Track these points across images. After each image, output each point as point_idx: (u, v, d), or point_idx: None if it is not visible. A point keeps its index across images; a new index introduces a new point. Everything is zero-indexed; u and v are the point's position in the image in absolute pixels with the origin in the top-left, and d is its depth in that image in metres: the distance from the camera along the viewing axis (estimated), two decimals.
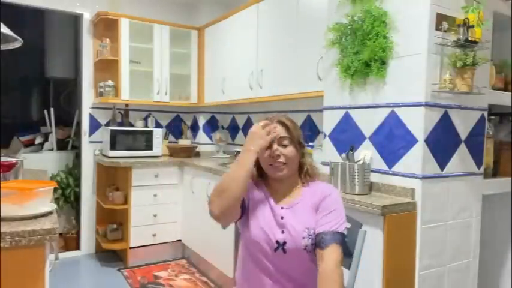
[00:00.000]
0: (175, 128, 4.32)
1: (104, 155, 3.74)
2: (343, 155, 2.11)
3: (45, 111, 4.57)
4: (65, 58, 4.77)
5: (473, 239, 2.07)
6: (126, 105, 3.94)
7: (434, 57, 1.84)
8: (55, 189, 1.79)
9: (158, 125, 4.15)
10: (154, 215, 3.57)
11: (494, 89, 2.16)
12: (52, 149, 4.49)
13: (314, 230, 1.31)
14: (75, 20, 4.15)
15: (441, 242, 1.92)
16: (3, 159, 1.82)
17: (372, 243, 1.73)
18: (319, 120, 2.89)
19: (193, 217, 3.52)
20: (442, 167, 1.91)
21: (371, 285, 1.77)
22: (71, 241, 3.87)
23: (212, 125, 4.25)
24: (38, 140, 4.59)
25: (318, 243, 1.28)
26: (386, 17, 1.96)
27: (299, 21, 2.70)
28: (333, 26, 2.20)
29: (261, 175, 1.44)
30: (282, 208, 1.36)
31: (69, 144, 4.55)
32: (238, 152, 3.54)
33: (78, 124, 4.11)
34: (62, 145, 4.55)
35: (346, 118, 2.21)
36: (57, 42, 4.81)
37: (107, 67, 3.76)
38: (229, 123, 4.27)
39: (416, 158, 1.85)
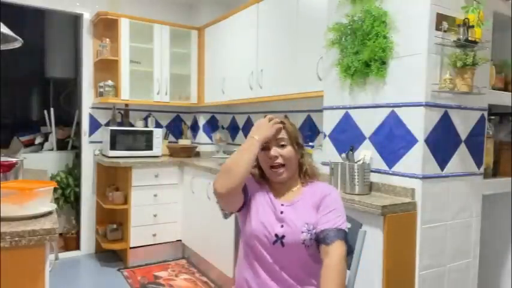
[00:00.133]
0: (175, 128, 4.32)
1: (104, 155, 3.74)
2: (343, 155, 2.11)
3: (45, 111, 4.57)
4: (65, 58, 4.77)
5: (473, 239, 2.07)
6: (126, 105, 3.94)
7: (434, 57, 1.84)
8: (55, 189, 1.79)
9: (158, 125, 4.15)
10: (154, 215, 3.57)
11: (494, 89, 2.16)
12: (52, 149, 4.49)
13: (314, 226, 1.33)
14: (75, 20, 4.15)
15: (441, 242, 1.92)
16: (3, 159, 1.82)
17: (372, 243, 1.73)
18: (319, 120, 2.89)
19: (193, 217, 3.52)
20: (442, 167, 1.91)
21: (371, 285, 1.77)
22: (71, 241, 3.87)
23: (212, 125, 4.25)
24: (38, 140, 4.59)
25: (322, 239, 1.31)
26: (386, 17, 1.96)
27: (299, 21, 2.70)
28: (333, 26, 2.20)
29: (262, 176, 1.47)
30: (282, 205, 1.39)
31: (69, 144, 4.55)
32: None
33: (78, 124, 4.11)
34: (62, 145, 4.55)
35: (346, 118, 2.21)
36: (57, 42, 4.81)
37: (107, 67, 3.76)
38: (229, 123, 4.27)
39: (416, 158, 1.85)
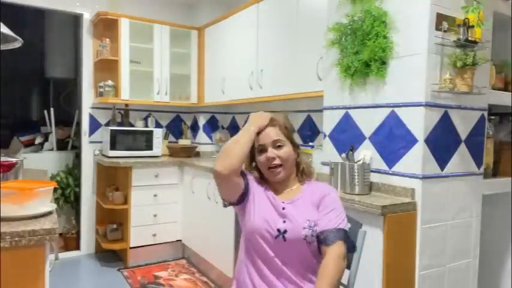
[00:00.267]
0: (175, 128, 4.32)
1: (104, 155, 3.74)
2: (343, 155, 2.11)
3: (45, 111, 4.57)
4: (65, 58, 4.77)
5: (473, 239, 2.07)
6: (126, 105, 3.94)
7: (434, 57, 1.84)
8: (55, 189, 1.79)
9: (158, 125, 4.15)
10: (154, 215, 3.57)
11: (494, 89, 2.16)
12: (52, 149, 4.49)
13: (315, 223, 1.36)
14: (75, 20, 4.15)
15: (441, 242, 1.92)
16: (3, 159, 1.82)
17: (372, 243, 1.73)
18: (319, 120, 2.89)
19: (193, 217, 3.52)
20: (442, 167, 1.91)
21: (371, 285, 1.77)
22: (71, 241, 3.87)
23: (212, 125, 4.25)
24: (38, 140, 4.59)
25: (323, 240, 1.34)
26: (386, 17, 1.96)
27: (299, 21, 2.70)
28: (333, 26, 2.20)
29: (262, 176, 1.51)
30: (283, 202, 1.43)
31: (69, 144, 4.55)
32: None
33: (78, 124, 4.11)
34: (62, 145, 4.55)
35: (346, 118, 2.21)
36: (57, 42, 4.81)
37: (107, 67, 3.76)
38: (229, 123, 4.27)
39: (416, 158, 1.85)
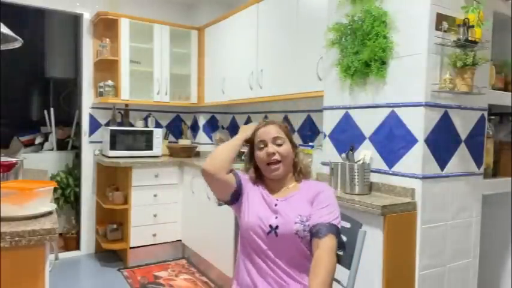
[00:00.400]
0: (175, 128, 4.32)
1: (104, 155, 3.74)
2: (343, 155, 2.11)
3: (45, 111, 4.57)
4: (65, 58, 4.77)
5: (473, 239, 2.07)
6: (126, 105, 3.94)
7: (434, 57, 1.84)
8: (55, 189, 1.79)
9: (158, 125, 4.15)
10: (154, 215, 3.57)
11: (494, 89, 2.16)
12: (52, 149, 4.49)
13: (307, 218, 1.39)
14: (75, 20, 4.15)
15: (441, 242, 1.92)
16: (3, 159, 1.82)
17: (372, 243, 1.73)
18: (319, 120, 2.89)
19: (193, 217, 3.52)
20: (442, 167, 1.91)
21: (371, 285, 1.77)
22: (71, 241, 3.87)
23: (212, 125, 4.25)
24: (38, 140, 4.59)
25: (315, 233, 1.36)
26: (386, 17, 1.96)
27: (299, 21, 2.70)
28: (333, 26, 2.20)
29: (259, 177, 1.54)
30: (277, 200, 1.46)
31: (69, 144, 4.55)
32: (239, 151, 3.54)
33: (78, 124, 4.11)
34: (62, 145, 4.55)
35: (346, 118, 2.21)
36: (57, 42, 4.81)
37: (107, 67, 3.76)
38: (229, 123, 4.27)
39: (416, 158, 1.85)
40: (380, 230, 1.75)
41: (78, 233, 3.89)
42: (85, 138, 3.85)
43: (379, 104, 2.02)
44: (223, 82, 3.63)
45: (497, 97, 2.15)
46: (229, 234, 2.86)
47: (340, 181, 2.05)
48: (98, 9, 3.72)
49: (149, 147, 3.77)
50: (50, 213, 1.37)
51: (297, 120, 3.22)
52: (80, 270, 3.53)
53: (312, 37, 2.54)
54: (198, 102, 4.12)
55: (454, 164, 1.95)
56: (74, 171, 4.13)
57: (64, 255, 3.72)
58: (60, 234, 3.79)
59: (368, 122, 2.08)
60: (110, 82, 3.71)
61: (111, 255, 3.77)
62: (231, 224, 2.83)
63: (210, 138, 4.21)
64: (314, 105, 2.94)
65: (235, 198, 1.49)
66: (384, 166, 2.00)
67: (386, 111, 1.99)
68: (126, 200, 3.50)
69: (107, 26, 3.77)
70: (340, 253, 1.48)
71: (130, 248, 3.47)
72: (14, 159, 1.85)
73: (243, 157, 1.63)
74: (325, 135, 2.36)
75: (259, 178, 1.54)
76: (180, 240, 3.73)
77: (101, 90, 3.71)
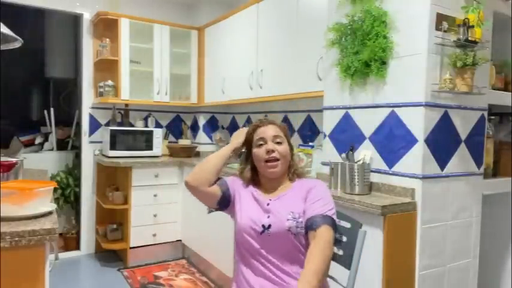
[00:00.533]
0: (175, 128, 4.32)
1: (104, 155, 3.74)
2: (343, 155, 2.11)
3: (45, 111, 4.57)
4: (65, 58, 4.77)
5: (473, 239, 2.07)
6: (126, 105, 3.94)
7: (434, 57, 1.84)
8: (55, 189, 1.79)
9: (158, 125, 4.15)
10: (154, 215, 3.57)
11: (494, 89, 2.16)
12: (52, 149, 4.49)
13: (299, 215, 1.39)
14: (75, 20, 4.15)
15: (441, 242, 1.92)
16: (3, 159, 1.82)
17: (372, 243, 1.73)
18: (319, 120, 2.89)
19: (193, 217, 3.52)
20: (442, 167, 1.91)
21: (371, 285, 1.77)
22: (71, 241, 3.87)
23: (212, 125, 4.25)
24: (38, 140, 4.59)
25: (310, 226, 1.36)
26: (386, 17, 1.96)
27: (299, 21, 2.70)
28: (333, 26, 2.20)
29: (253, 177, 1.56)
30: (270, 199, 1.47)
31: (69, 144, 4.55)
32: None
33: (78, 124, 4.11)
34: (62, 145, 4.55)
35: (346, 118, 2.21)
36: (57, 42, 4.81)
37: (107, 67, 3.76)
38: (229, 123, 4.27)
39: (416, 158, 1.85)
40: (380, 230, 1.75)
41: (78, 233, 3.89)
42: (85, 138, 3.85)
43: (379, 104, 2.02)
44: (223, 82, 3.63)
45: (497, 97, 2.15)
46: (229, 234, 2.86)
47: (340, 181, 2.05)
48: (98, 9, 3.72)
49: (149, 147, 3.78)
50: (50, 213, 1.37)
51: (297, 120, 3.22)
52: (80, 270, 3.53)
53: (312, 37, 2.54)
54: (198, 102, 4.12)
55: (454, 164, 1.95)
56: (74, 171, 4.13)
57: (64, 255, 3.72)
58: (60, 234, 3.79)
59: (368, 122, 2.08)
60: (110, 82, 3.71)
61: (111, 255, 3.77)
62: (231, 224, 2.81)
63: (210, 138, 4.21)
64: (314, 105, 2.94)
65: (223, 205, 1.52)
66: (384, 166, 2.00)
67: (386, 111, 1.99)
68: (126, 200, 3.50)
69: (107, 26, 3.77)
70: (340, 253, 1.48)
71: (130, 248, 3.47)
72: (14, 159, 1.84)
73: (241, 158, 1.63)
74: (325, 135, 2.36)
75: (253, 179, 1.55)
76: (180, 240, 3.74)
77: (101, 90, 3.71)
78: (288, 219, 1.38)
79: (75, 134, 4.47)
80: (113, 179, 3.83)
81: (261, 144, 1.49)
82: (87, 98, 3.84)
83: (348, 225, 1.52)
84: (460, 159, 1.98)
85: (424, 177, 1.84)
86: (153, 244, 3.59)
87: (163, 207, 3.62)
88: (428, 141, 1.84)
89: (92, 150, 3.86)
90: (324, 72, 2.39)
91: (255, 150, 1.50)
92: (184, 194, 3.67)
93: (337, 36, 2.18)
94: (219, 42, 3.78)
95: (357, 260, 1.44)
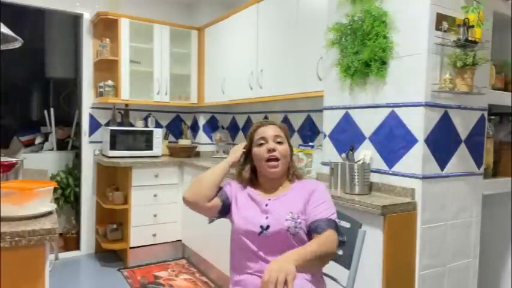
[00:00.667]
0: (175, 128, 4.32)
1: (103, 155, 3.74)
2: (343, 155, 2.11)
3: (45, 111, 4.57)
4: (65, 58, 4.77)
5: (473, 239, 2.07)
6: (126, 105, 3.94)
7: (434, 57, 1.84)
8: (55, 189, 1.79)
9: (158, 125, 4.15)
10: (154, 215, 3.57)
11: (494, 89, 2.16)
12: (52, 149, 4.49)
13: (298, 215, 1.40)
14: (75, 20, 4.15)
15: (441, 242, 1.92)
16: (3, 159, 1.82)
17: (372, 243, 1.73)
18: (319, 120, 2.89)
19: (193, 217, 3.48)
20: (442, 167, 1.91)
21: (371, 285, 1.77)
22: (71, 241, 3.87)
23: (212, 125, 4.25)
24: (38, 140, 4.59)
25: (314, 229, 1.37)
26: (386, 17, 1.96)
27: (299, 21, 2.70)
28: (333, 26, 2.20)
29: (250, 179, 1.56)
30: (269, 200, 1.47)
31: (69, 144, 4.55)
32: None
33: (78, 124, 4.11)
34: (62, 145, 4.55)
35: (346, 118, 2.21)
36: (57, 42, 4.81)
37: (107, 67, 3.76)
38: (229, 123, 4.27)
39: (416, 158, 1.85)
40: (380, 230, 1.75)
41: (78, 233, 3.89)
42: (85, 138, 3.85)
43: (379, 104, 2.02)
44: (223, 82, 3.63)
45: (497, 97, 2.15)
46: (229, 234, 2.86)
47: (340, 181, 2.05)
48: (98, 9, 3.72)
49: (149, 147, 3.78)
50: (50, 213, 1.37)
51: (297, 120, 3.22)
52: (80, 270, 3.53)
53: (312, 37, 2.54)
54: (198, 102, 4.12)
55: (454, 164, 1.95)
56: (74, 171, 4.13)
57: (64, 255, 3.72)
58: (60, 234, 3.79)
59: (368, 122, 2.08)
60: (110, 82, 3.71)
61: (111, 255, 3.77)
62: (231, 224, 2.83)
63: (210, 138, 4.21)
64: (314, 105, 2.94)
65: (224, 213, 1.51)
66: (384, 166, 2.00)
67: (386, 111, 1.99)
68: (126, 200, 3.50)
69: (107, 26, 3.77)
70: (340, 253, 1.48)
71: (131, 248, 3.47)
72: (14, 159, 1.84)
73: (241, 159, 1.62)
74: (325, 135, 2.36)
75: (251, 181, 1.55)
76: (180, 240, 3.73)
77: (101, 90, 3.71)
78: (286, 219, 1.38)
79: (75, 134, 4.47)
80: (113, 179, 3.83)
81: (262, 144, 1.49)
82: (87, 98, 3.84)
83: (347, 225, 1.52)
84: (460, 159, 1.98)
85: (424, 177, 1.84)
86: (153, 244, 3.59)
87: (163, 207, 3.62)
88: (428, 141, 1.84)
89: (92, 150, 3.86)
90: (324, 72, 2.39)
91: (255, 150, 1.51)
92: None
93: (337, 36, 2.18)
94: (219, 42, 3.78)
95: (357, 260, 1.44)
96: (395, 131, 1.94)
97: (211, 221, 1.57)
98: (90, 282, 3.35)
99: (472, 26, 1.82)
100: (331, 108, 2.31)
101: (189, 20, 4.22)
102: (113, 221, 3.71)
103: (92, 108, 3.86)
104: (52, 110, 4.50)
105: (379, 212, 1.72)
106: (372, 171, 2.04)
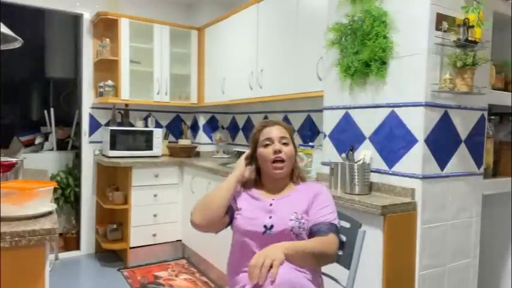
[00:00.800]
0: (175, 128, 4.32)
1: (103, 155, 3.74)
2: (343, 155, 2.11)
3: (45, 111, 4.57)
4: (65, 58, 4.77)
5: (473, 239, 2.07)
6: (126, 105, 3.94)
7: (434, 57, 1.84)
8: (55, 189, 1.79)
9: (158, 125, 4.15)
10: (154, 215, 3.57)
11: (494, 89, 2.16)
12: (52, 149, 4.49)
13: (302, 216, 1.40)
14: (75, 20, 4.15)
15: (441, 242, 1.92)
16: (3, 159, 1.82)
17: (372, 243, 1.73)
18: (319, 120, 2.89)
19: None
20: (442, 167, 1.91)
21: (371, 285, 1.77)
22: (71, 241, 3.87)
23: (212, 125, 4.25)
24: (38, 140, 4.59)
25: (316, 232, 1.38)
26: (386, 17, 1.96)
27: (299, 21, 2.70)
28: (333, 26, 2.20)
29: (255, 181, 1.55)
30: (273, 199, 1.47)
31: (69, 144, 4.55)
32: (238, 151, 3.55)
33: (78, 124, 4.11)
34: (62, 145, 4.55)
35: (346, 118, 2.21)
36: (57, 42, 4.81)
37: (107, 67, 3.76)
38: (229, 123, 4.27)
39: (416, 158, 1.85)
40: (380, 230, 1.75)
41: (78, 233, 3.89)
42: (85, 138, 3.85)
43: (379, 104, 2.02)
44: (223, 82, 3.63)
45: (497, 97, 2.15)
46: (230, 234, 2.86)
47: (340, 181, 2.05)
48: (98, 9, 3.72)
49: (149, 147, 3.78)
50: (50, 213, 1.37)
51: (297, 120, 3.22)
52: (80, 270, 3.53)
53: (312, 37, 2.54)
54: (198, 102, 4.12)
55: (454, 164, 1.95)
56: (74, 171, 4.13)
57: (64, 255, 3.72)
58: (60, 234, 3.79)
59: (368, 122, 2.08)
60: (110, 82, 3.71)
61: (111, 255, 3.77)
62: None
63: (210, 138, 4.21)
64: (314, 105, 2.94)
65: (230, 222, 1.50)
66: (384, 166, 2.00)
67: (386, 111, 1.99)
68: (126, 200, 3.50)
69: (107, 26, 3.77)
70: (340, 253, 1.48)
71: (131, 248, 3.47)
72: (14, 159, 1.85)
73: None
74: (325, 135, 2.36)
75: (254, 182, 1.55)
76: (180, 240, 3.73)
77: (101, 90, 3.71)
78: (291, 219, 1.38)
79: (75, 134, 4.47)
80: (113, 179, 3.83)
81: (268, 145, 1.49)
82: (87, 98, 3.84)
83: (347, 225, 1.52)
84: (460, 159, 1.98)
85: (424, 177, 1.84)
86: (153, 244, 3.59)
87: (163, 207, 3.62)
88: (428, 141, 1.84)
89: (92, 150, 3.86)
90: (324, 72, 2.39)
91: (261, 150, 1.50)
92: (185, 194, 3.67)
93: (337, 36, 2.18)
94: (219, 42, 3.78)
95: (357, 260, 1.44)
96: (395, 131, 1.94)
97: (217, 232, 1.53)
98: (90, 282, 3.35)
99: (472, 26, 1.82)
100: (331, 108, 2.31)
101: (189, 20, 4.22)
102: (113, 221, 3.71)
103: (92, 108, 3.86)
104: (52, 110, 4.50)
105: (379, 212, 1.72)
106: (372, 171, 2.04)
